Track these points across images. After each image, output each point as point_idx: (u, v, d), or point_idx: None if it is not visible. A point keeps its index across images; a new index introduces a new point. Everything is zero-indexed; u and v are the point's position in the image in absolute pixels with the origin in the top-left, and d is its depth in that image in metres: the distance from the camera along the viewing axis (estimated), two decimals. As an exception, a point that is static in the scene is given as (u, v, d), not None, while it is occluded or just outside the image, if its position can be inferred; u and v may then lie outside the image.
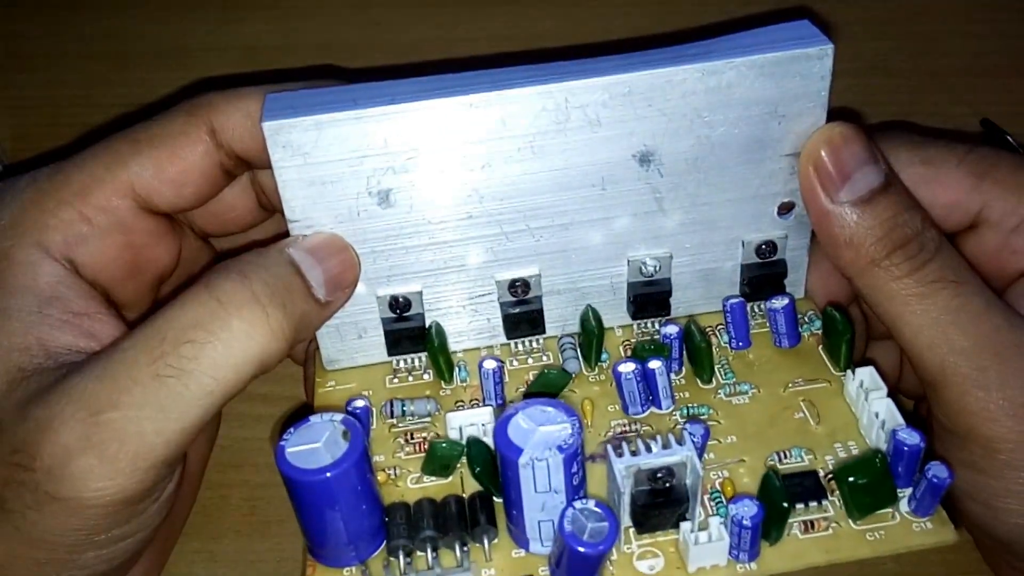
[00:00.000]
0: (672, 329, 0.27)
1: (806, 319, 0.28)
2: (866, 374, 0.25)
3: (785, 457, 0.25)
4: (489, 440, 0.25)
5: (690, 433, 0.23)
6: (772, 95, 0.25)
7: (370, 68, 0.41)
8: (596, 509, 0.21)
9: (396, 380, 0.28)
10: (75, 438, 0.22)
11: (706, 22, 0.43)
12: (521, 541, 0.23)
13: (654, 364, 0.26)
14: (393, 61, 0.42)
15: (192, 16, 0.43)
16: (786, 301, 0.27)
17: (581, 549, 0.21)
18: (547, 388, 0.27)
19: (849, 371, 0.26)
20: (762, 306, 0.28)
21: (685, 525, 0.23)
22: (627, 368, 0.26)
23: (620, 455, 0.23)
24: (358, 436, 0.22)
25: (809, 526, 0.24)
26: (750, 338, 0.28)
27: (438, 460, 0.25)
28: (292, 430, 0.23)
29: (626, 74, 0.24)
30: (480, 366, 0.26)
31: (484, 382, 0.26)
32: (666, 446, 0.23)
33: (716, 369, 0.27)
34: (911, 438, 0.23)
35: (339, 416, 0.23)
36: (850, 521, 0.24)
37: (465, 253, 0.26)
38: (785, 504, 0.23)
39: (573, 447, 0.22)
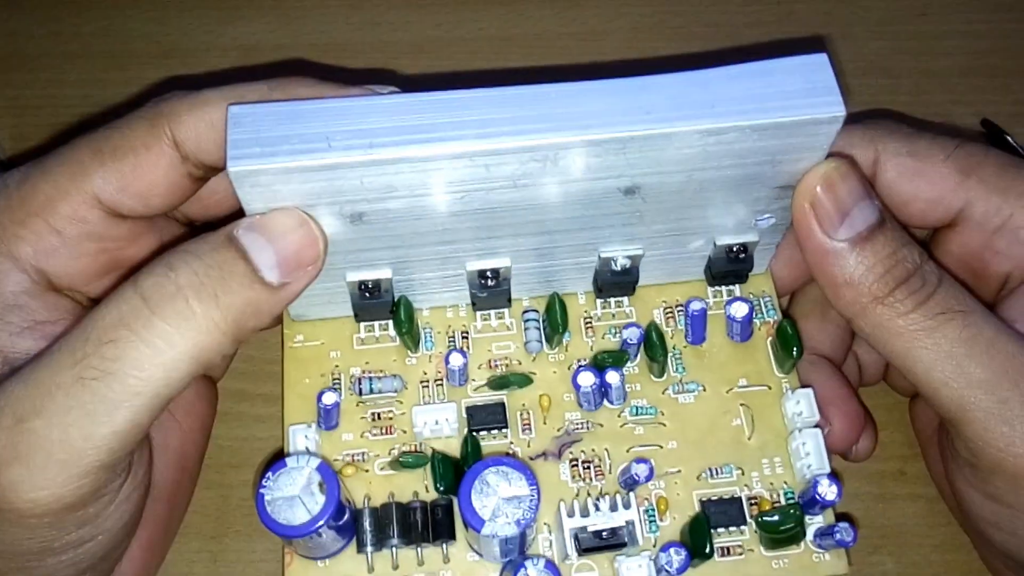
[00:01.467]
0: (633, 334, 0.28)
1: (762, 306, 0.29)
2: (804, 399, 0.27)
3: (715, 475, 0.27)
4: (449, 440, 0.27)
5: (635, 475, 0.25)
6: (773, 148, 0.24)
7: (366, 69, 0.41)
8: (547, 571, 0.24)
9: (362, 343, 0.29)
10: (2, 447, 0.21)
11: (708, 19, 0.43)
12: (476, 547, 0.26)
13: (612, 378, 0.27)
14: (393, 61, 0.42)
15: (192, 16, 0.43)
16: (746, 310, 0.28)
17: None
18: (508, 385, 0.28)
19: (788, 388, 0.28)
20: (723, 291, 0.30)
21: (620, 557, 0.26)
22: (586, 381, 0.27)
23: (571, 515, 0.25)
24: (333, 488, 0.23)
25: (726, 551, 0.26)
26: (705, 336, 0.29)
27: (404, 469, 0.27)
28: (271, 475, 0.23)
29: (621, 132, 0.23)
30: (447, 360, 0.27)
31: (449, 372, 0.28)
32: (613, 508, 0.25)
33: (670, 359, 0.29)
34: (829, 494, 0.25)
35: (315, 462, 0.24)
36: (761, 548, 0.26)
37: (436, 251, 0.26)
38: (708, 551, 0.25)
39: (530, 520, 0.24)
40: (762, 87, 0.23)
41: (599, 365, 0.28)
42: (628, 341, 0.28)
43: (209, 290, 0.22)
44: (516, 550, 0.25)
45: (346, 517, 0.25)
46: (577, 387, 0.27)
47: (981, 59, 0.42)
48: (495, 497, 0.24)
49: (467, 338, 0.29)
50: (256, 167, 0.22)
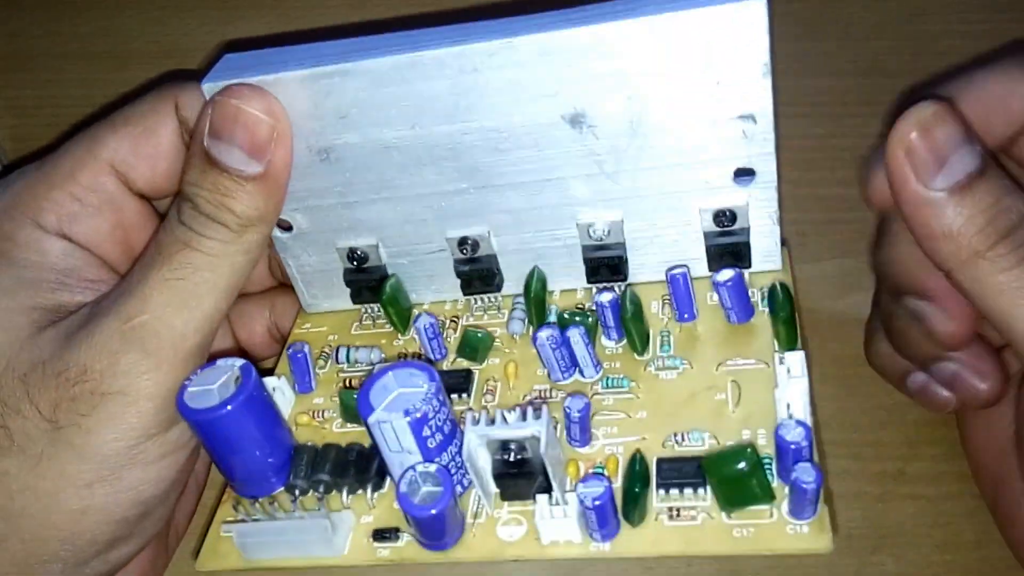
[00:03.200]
0: (606, 296, 0.26)
1: (776, 292, 0.26)
2: (794, 360, 0.24)
3: (682, 440, 0.24)
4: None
5: (567, 408, 0.24)
6: (701, 56, 0.23)
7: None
8: (435, 473, 0.23)
9: (360, 328, 0.30)
10: (117, 342, 0.24)
11: None
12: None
13: (572, 333, 0.26)
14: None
15: (192, 16, 0.44)
16: (731, 274, 0.26)
17: (410, 510, 0.22)
18: (470, 348, 0.28)
19: (777, 355, 0.24)
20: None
21: (542, 498, 0.23)
22: (543, 334, 0.25)
23: (476, 422, 0.23)
24: (248, 383, 0.24)
25: (675, 513, 0.23)
26: (695, 311, 0.27)
27: (348, 409, 0.27)
28: (198, 371, 0.25)
29: (538, 34, 0.23)
30: (415, 323, 0.27)
31: (419, 338, 0.28)
32: (524, 418, 0.23)
33: (658, 340, 0.27)
34: (791, 434, 0.22)
35: (240, 362, 0.25)
36: (723, 514, 0.23)
37: (412, 210, 0.27)
38: (637, 489, 0.22)
39: (422, 412, 0.23)
40: None
41: (561, 323, 0.27)
42: (600, 303, 0.26)
43: (224, 212, 0.25)
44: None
45: (276, 455, 0.25)
46: (537, 343, 0.26)
47: (981, 59, 0.42)
48: (394, 390, 0.24)
49: (456, 322, 0.29)
50: (222, 83, 0.25)
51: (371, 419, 0.23)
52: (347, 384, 0.28)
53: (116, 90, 0.41)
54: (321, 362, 0.29)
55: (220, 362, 0.25)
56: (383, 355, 0.29)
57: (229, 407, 0.24)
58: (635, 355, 0.27)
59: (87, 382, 0.24)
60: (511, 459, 0.23)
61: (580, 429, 0.25)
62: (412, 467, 0.23)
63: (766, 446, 0.24)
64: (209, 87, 0.25)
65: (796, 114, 0.41)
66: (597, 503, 0.22)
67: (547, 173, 0.26)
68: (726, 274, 0.26)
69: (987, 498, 0.30)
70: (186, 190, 0.25)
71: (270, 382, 0.27)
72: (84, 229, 0.27)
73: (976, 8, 0.43)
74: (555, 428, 0.25)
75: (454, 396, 0.27)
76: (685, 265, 0.27)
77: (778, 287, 0.26)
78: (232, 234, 0.25)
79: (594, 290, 0.28)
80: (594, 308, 0.27)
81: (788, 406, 0.23)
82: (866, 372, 0.34)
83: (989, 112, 0.26)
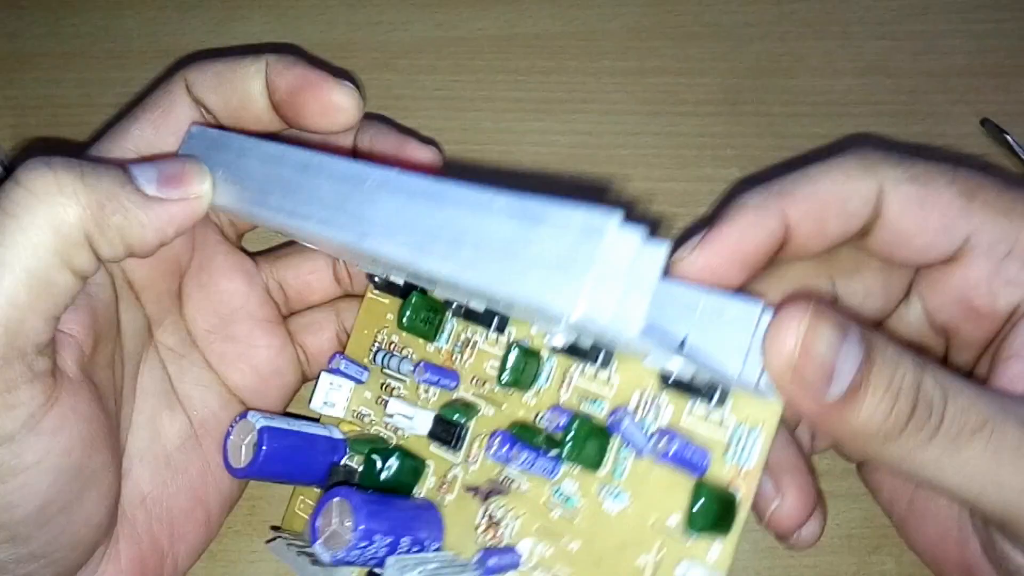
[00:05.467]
0: (554, 420, 0.25)
1: (744, 442, 0.23)
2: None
3: None
4: (417, 438, 0.29)
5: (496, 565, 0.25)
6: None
7: (366, 67, 0.41)
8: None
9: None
10: None
11: (708, 19, 0.43)
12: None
13: (515, 456, 0.25)
14: (393, 60, 0.42)
15: (192, 16, 0.43)
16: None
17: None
18: (455, 413, 0.28)
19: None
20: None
21: None
22: (495, 447, 0.25)
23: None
24: (260, 454, 0.27)
25: None
26: (644, 450, 0.24)
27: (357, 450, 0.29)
28: (236, 420, 0.28)
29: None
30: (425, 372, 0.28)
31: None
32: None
33: (616, 453, 0.25)
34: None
35: (261, 423, 0.27)
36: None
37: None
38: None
39: (345, 557, 0.25)
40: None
41: (522, 437, 0.25)
42: (556, 426, 0.25)
43: (78, 171, 0.24)
44: None
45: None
46: (489, 447, 0.25)
47: (981, 59, 0.42)
48: (335, 523, 0.25)
49: (474, 348, 0.28)
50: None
51: (315, 548, 0.25)
52: (384, 388, 0.30)
53: (116, 90, 0.41)
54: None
55: (251, 416, 0.28)
56: (414, 368, 0.29)
57: (251, 467, 0.27)
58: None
59: None
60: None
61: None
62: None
63: None
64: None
65: (796, 114, 0.41)
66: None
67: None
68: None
69: None
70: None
71: (326, 377, 0.30)
72: None
73: (977, 7, 0.43)
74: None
75: (445, 448, 0.28)
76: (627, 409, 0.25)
77: (719, 497, 0.23)
78: (55, 194, 0.24)
79: (576, 372, 0.26)
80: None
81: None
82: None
83: (825, 211, 0.26)
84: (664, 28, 0.43)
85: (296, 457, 0.28)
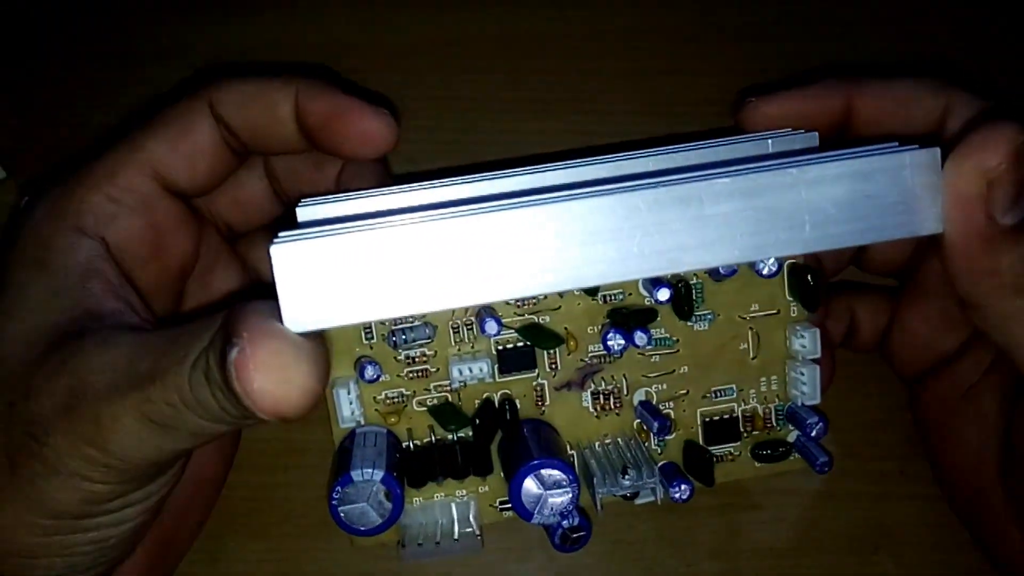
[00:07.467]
0: (664, 294, 0.29)
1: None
2: (810, 337, 0.30)
3: (717, 396, 0.31)
4: (484, 384, 0.30)
5: (655, 430, 0.30)
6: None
7: (371, 70, 0.41)
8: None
9: None
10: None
11: (708, 20, 0.43)
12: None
13: (639, 338, 0.29)
14: (393, 61, 0.42)
15: (193, 15, 0.43)
16: (775, 268, 0.30)
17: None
18: (536, 339, 0.30)
19: (797, 326, 0.31)
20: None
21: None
22: (616, 343, 0.29)
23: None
24: (397, 498, 0.27)
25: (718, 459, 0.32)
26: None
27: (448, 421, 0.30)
28: (339, 488, 0.27)
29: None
30: (482, 326, 0.29)
31: (482, 328, 0.29)
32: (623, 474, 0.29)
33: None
34: (817, 431, 0.30)
35: (379, 475, 0.27)
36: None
37: None
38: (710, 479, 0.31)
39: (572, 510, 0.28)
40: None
41: (627, 327, 0.30)
42: (659, 300, 0.29)
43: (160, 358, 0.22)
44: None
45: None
46: (607, 348, 0.30)
47: (980, 59, 0.42)
48: (542, 494, 0.28)
49: (500, 328, 0.29)
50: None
51: (534, 521, 0.28)
52: (410, 360, 0.30)
53: (116, 90, 0.41)
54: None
55: (355, 476, 0.27)
56: (436, 328, 0.30)
57: (394, 523, 0.28)
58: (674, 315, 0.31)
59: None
60: None
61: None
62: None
63: (777, 390, 0.32)
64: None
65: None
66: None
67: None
68: (770, 268, 0.30)
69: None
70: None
71: (342, 395, 0.29)
72: (117, 230, 0.27)
73: (977, 8, 0.43)
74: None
75: (524, 371, 0.30)
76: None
77: (806, 275, 0.30)
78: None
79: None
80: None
81: (801, 376, 0.30)
82: (866, 372, 0.34)
83: (889, 107, 0.28)
84: (664, 28, 0.43)
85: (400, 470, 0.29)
